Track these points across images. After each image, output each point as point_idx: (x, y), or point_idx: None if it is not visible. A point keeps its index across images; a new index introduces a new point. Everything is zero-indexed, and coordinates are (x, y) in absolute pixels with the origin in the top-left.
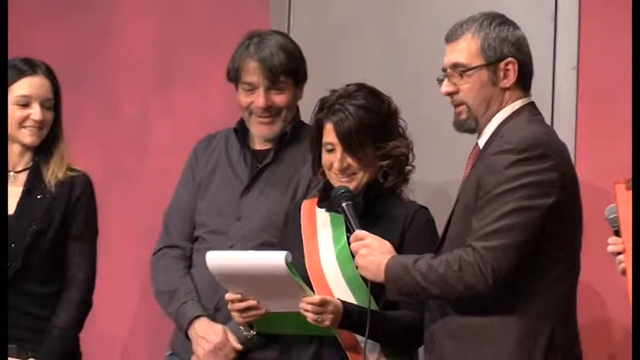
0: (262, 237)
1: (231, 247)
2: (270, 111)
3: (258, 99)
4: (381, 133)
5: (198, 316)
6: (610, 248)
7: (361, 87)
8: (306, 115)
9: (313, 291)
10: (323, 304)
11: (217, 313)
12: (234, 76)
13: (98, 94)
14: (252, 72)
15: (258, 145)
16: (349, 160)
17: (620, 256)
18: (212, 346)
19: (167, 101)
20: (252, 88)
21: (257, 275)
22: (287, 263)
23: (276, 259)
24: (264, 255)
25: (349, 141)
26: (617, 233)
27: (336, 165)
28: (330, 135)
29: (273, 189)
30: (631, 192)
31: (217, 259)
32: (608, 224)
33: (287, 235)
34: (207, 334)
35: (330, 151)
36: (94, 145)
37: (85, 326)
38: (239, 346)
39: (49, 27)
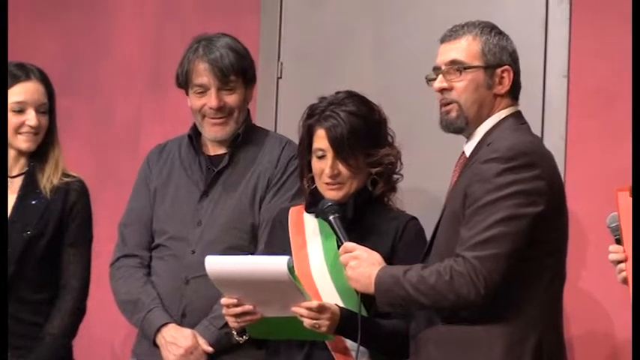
0: (226, 240)
1: (193, 253)
2: (223, 111)
3: (211, 100)
4: (371, 141)
5: (165, 324)
6: (611, 257)
7: (351, 94)
8: (295, 117)
9: None
10: (321, 310)
11: (183, 319)
12: (184, 80)
13: (91, 98)
14: (203, 73)
15: (212, 151)
16: (340, 166)
17: (622, 265)
18: (183, 350)
19: (159, 105)
20: (203, 90)
21: (257, 280)
22: (289, 268)
23: (277, 264)
24: (265, 260)
25: (341, 147)
26: (618, 242)
27: (327, 171)
28: (321, 141)
29: (232, 192)
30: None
31: (216, 263)
32: (610, 232)
33: (274, 241)
34: (176, 339)
35: (321, 157)
36: (86, 149)
37: (78, 333)
38: (209, 349)
39: (41, 31)
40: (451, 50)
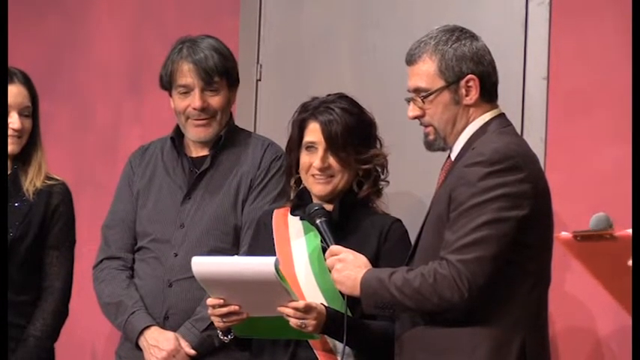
0: (209, 243)
1: (175, 255)
2: (206, 112)
3: (194, 100)
4: (362, 139)
5: (148, 326)
6: None
7: (343, 95)
8: (274, 120)
9: None
10: (307, 310)
11: (166, 321)
12: (168, 81)
13: (70, 101)
14: (187, 74)
15: (195, 152)
16: (331, 159)
17: None
18: (165, 353)
19: (139, 108)
20: (187, 91)
21: (244, 280)
22: (276, 268)
23: (265, 264)
24: (252, 260)
25: (334, 140)
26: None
27: (316, 163)
28: (313, 134)
29: (214, 194)
30: (582, 243)
31: (203, 264)
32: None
33: (258, 243)
34: (159, 342)
35: (311, 149)
36: (65, 152)
37: (60, 335)
38: (192, 352)
39: (20, 34)
40: (413, 76)
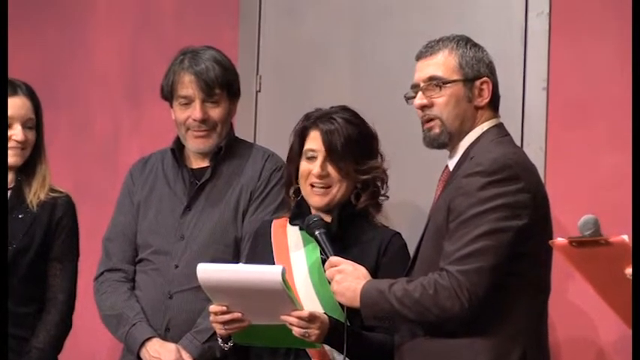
0: (209, 254)
1: (176, 267)
2: (207, 124)
3: (195, 112)
4: (363, 150)
5: (149, 338)
6: None
7: (345, 108)
8: (274, 131)
9: None
10: (311, 319)
11: (167, 333)
12: (169, 91)
13: (69, 112)
14: (188, 85)
15: (195, 164)
16: (330, 168)
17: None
18: None
19: (138, 118)
20: (187, 102)
21: (249, 288)
22: (283, 277)
23: (272, 272)
24: (259, 268)
25: (334, 149)
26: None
27: (315, 171)
28: (314, 142)
29: (215, 205)
30: (577, 249)
31: (209, 271)
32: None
33: (256, 253)
34: (160, 353)
35: (311, 158)
36: (64, 163)
37: (64, 347)
38: None
39: (19, 44)
40: (428, 66)
